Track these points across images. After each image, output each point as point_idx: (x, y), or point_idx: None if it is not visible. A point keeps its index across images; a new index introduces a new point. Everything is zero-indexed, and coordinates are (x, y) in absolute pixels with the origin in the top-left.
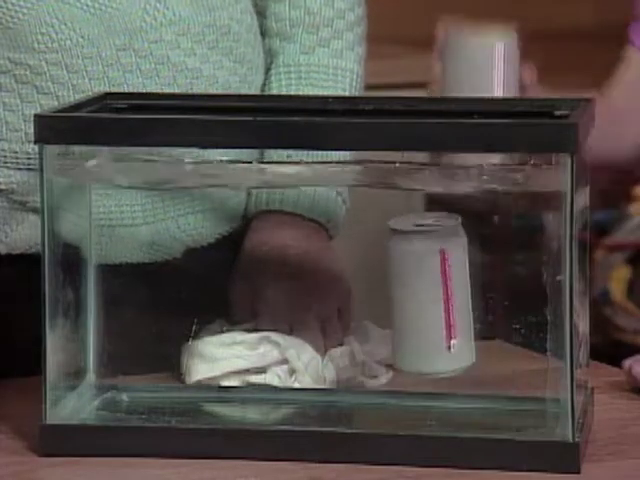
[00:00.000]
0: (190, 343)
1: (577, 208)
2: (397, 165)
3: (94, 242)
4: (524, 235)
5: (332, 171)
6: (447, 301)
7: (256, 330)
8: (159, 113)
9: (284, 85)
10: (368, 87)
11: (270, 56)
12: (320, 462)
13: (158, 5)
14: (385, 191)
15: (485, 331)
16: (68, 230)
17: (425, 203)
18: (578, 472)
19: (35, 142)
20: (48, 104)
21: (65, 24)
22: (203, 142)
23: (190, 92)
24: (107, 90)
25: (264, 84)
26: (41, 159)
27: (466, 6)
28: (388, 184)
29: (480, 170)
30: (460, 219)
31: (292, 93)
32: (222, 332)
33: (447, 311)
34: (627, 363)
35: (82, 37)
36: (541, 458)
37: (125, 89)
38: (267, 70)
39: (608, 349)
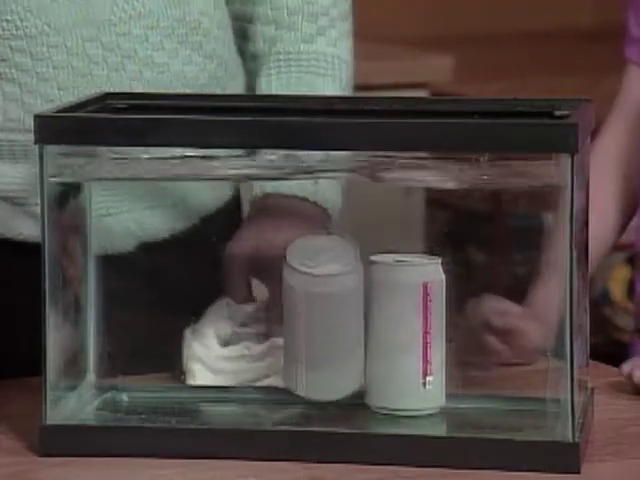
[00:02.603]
0: (192, 345)
1: (577, 208)
2: (397, 163)
3: (92, 235)
4: (524, 235)
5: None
6: (426, 335)
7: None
8: (159, 113)
9: (284, 72)
10: (368, 87)
11: (263, 43)
12: (320, 462)
13: None
14: (385, 190)
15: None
16: (67, 228)
17: (425, 203)
18: (578, 472)
19: (35, 142)
20: (11, 91)
21: (31, 12)
22: (203, 142)
23: (190, 93)
24: (72, 79)
25: (261, 70)
26: (41, 159)
27: (466, 6)
28: (387, 179)
29: (480, 167)
30: (441, 260)
31: (293, 89)
32: (222, 328)
33: (425, 346)
34: (626, 369)
35: (48, 25)
36: (541, 458)
37: (90, 80)
38: (257, 57)
39: (608, 349)
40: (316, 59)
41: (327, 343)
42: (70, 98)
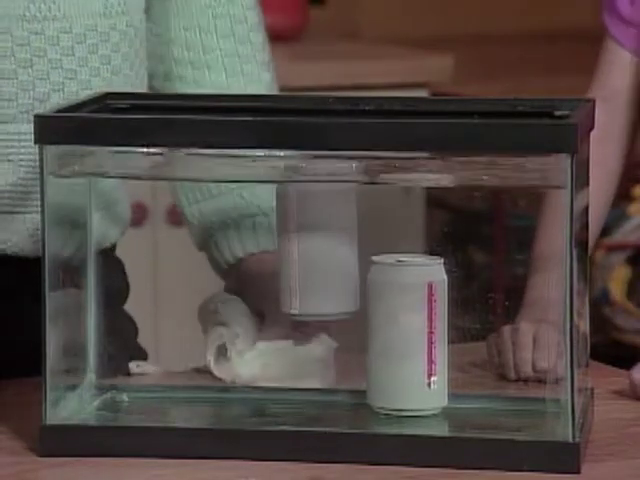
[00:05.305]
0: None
1: (577, 208)
2: (396, 164)
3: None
4: (524, 235)
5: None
6: (431, 336)
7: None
8: (159, 113)
9: None
10: (368, 87)
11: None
12: (320, 462)
13: None
14: (385, 191)
15: (485, 331)
16: (67, 226)
17: (425, 203)
18: (578, 472)
19: (35, 142)
20: None
21: None
22: (203, 142)
23: (190, 93)
24: None
25: None
26: (41, 159)
27: (466, 6)
28: (387, 180)
29: (480, 167)
30: (443, 260)
31: (291, 94)
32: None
33: (430, 346)
34: (636, 376)
35: None
36: (541, 458)
37: None
38: None
39: (608, 349)
40: None
41: (318, 251)
42: None
